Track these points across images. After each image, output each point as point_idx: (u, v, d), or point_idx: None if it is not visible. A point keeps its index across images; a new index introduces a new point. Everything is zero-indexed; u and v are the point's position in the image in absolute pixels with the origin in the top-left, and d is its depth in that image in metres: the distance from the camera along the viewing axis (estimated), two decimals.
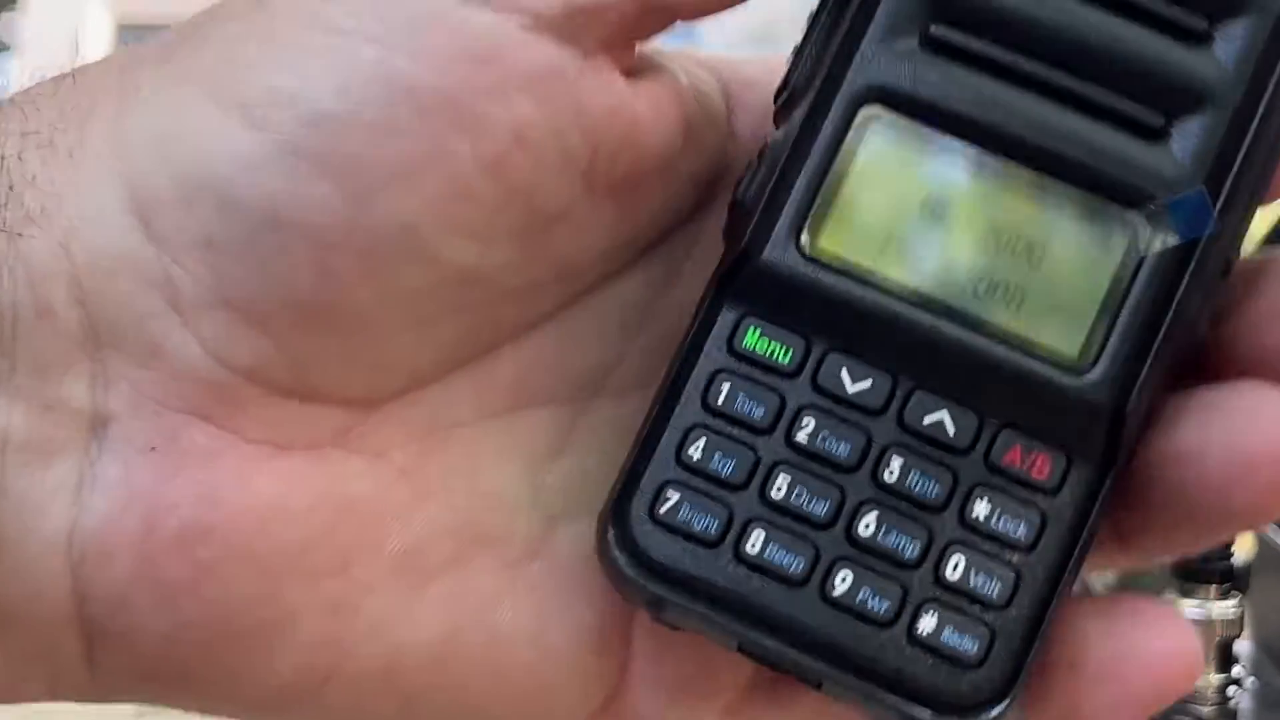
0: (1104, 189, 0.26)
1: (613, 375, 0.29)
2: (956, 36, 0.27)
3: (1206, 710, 0.51)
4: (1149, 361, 0.26)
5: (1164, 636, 0.27)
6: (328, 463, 0.26)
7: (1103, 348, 0.26)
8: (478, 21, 0.26)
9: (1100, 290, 0.26)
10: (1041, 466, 0.26)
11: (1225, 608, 0.51)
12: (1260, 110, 0.26)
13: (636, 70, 0.28)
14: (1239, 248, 0.27)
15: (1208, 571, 0.51)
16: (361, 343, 0.26)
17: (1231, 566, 0.51)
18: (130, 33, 0.82)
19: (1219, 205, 0.26)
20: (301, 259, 0.25)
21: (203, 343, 0.26)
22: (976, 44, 0.27)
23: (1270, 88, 0.27)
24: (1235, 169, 0.26)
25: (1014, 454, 0.26)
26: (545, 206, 0.26)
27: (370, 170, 0.25)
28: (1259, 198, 0.27)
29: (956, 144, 0.27)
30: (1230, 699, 0.51)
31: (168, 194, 0.25)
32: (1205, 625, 0.51)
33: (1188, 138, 0.27)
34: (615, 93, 0.27)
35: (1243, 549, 0.54)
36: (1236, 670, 0.52)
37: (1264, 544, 0.58)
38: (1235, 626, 0.51)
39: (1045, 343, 0.26)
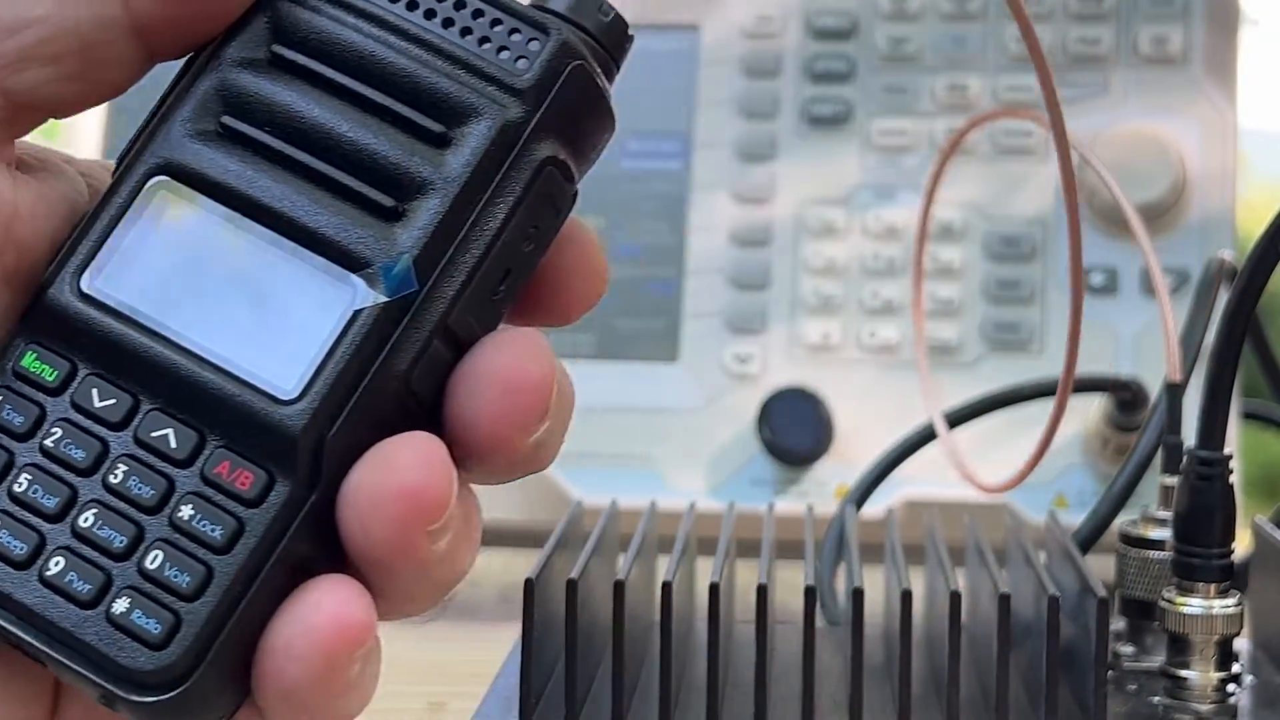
0: (335, 254, 0.32)
1: None
2: (241, 126, 0.32)
3: (1206, 708, 0.51)
4: (352, 400, 0.31)
5: (330, 609, 0.31)
6: None
7: (313, 385, 0.31)
8: None
9: (321, 337, 0.31)
10: (245, 480, 0.31)
11: (1225, 605, 0.51)
12: (483, 200, 0.32)
13: (28, 167, 0.32)
14: (473, 324, 0.33)
15: (1207, 569, 0.51)
16: None
17: (1231, 564, 0.51)
18: None
19: (434, 277, 0.32)
20: None
21: None
22: (255, 132, 0.32)
23: (495, 181, 0.32)
24: (453, 249, 0.32)
25: (223, 468, 0.31)
26: None
27: None
28: (497, 283, 0.33)
29: (221, 209, 0.32)
30: (1230, 696, 0.51)
31: None
32: (1205, 623, 0.51)
33: (413, 219, 0.32)
34: None
35: (1242, 546, 0.54)
36: (1235, 668, 0.52)
37: (1262, 541, 0.58)
38: (1235, 624, 0.51)
39: (267, 377, 0.31)
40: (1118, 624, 0.56)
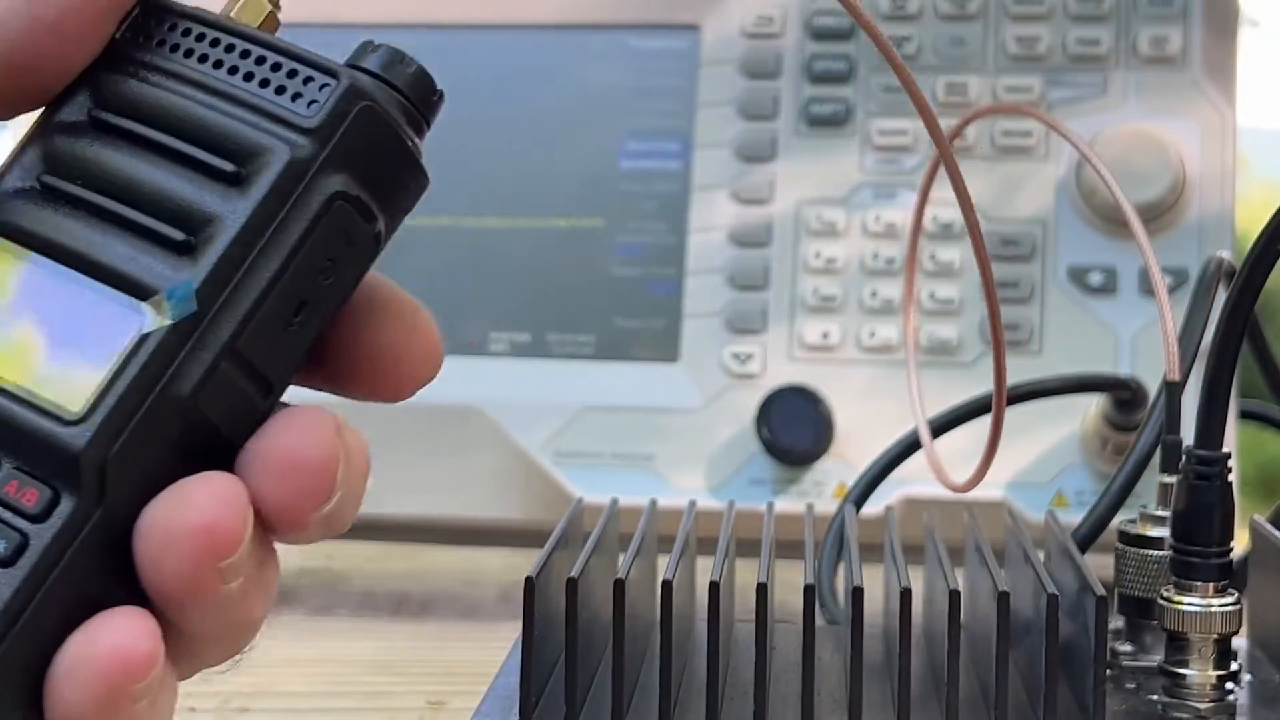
0: (129, 285, 0.34)
1: None
2: (57, 182, 0.35)
3: (1204, 706, 0.51)
4: (135, 420, 0.33)
5: (113, 636, 0.32)
6: None
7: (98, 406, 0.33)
8: None
9: (109, 362, 0.33)
10: (30, 497, 0.33)
11: (1223, 604, 0.51)
12: (270, 230, 0.34)
13: None
14: (270, 353, 0.35)
15: (1205, 568, 0.51)
16: None
17: (1230, 563, 0.52)
18: None
19: (219, 303, 0.34)
20: None
21: None
22: (69, 186, 0.35)
23: (282, 214, 0.35)
24: (239, 276, 0.34)
25: (11, 486, 0.33)
26: None
27: None
28: (292, 313, 0.35)
29: (29, 254, 0.35)
30: (1229, 694, 0.51)
31: None
32: (1203, 621, 0.51)
33: (202, 250, 0.34)
34: None
35: (1239, 545, 0.54)
36: (1234, 666, 0.52)
37: (1260, 540, 0.58)
38: (1233, 622, 0.51)
39: (57, 400, 0.33)
40: (1116, 622, 0.56)
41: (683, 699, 0.51)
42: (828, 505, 0.73)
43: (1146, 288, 0.78)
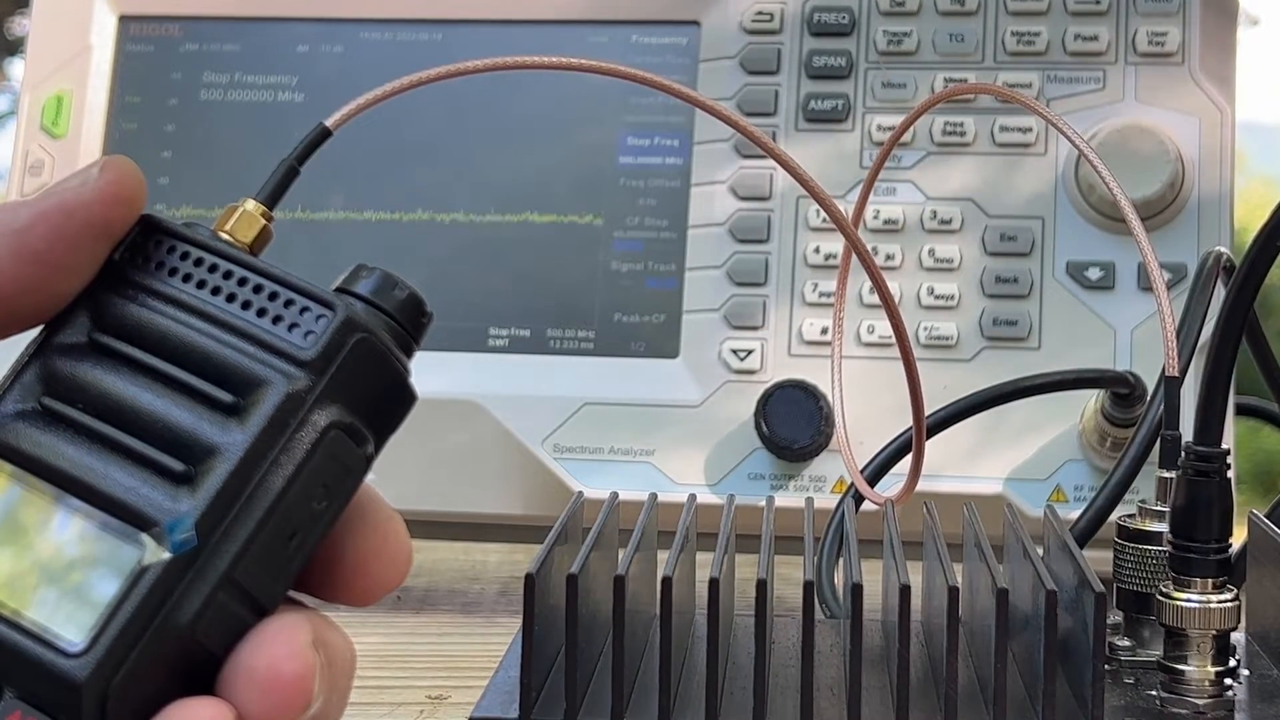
0: (128, 515, 0.35)
1: None
2: (57, 405, 0.36)
3: (1203, 702, 0.51)
4: (135, 652, 0.34)
5: None
6: None
7: (99, 640, 0.34)
8: None
9: (109, 593, 0.34)
10: None
11: (1222, 600, 0.51)
12: (267, 463, 0.35)
13: None
14: (264, 578, 0.35)
15: (1204, 564, 0.51)
16: None
17: (1229, 559, 0.52)
18: (133, 24, 0.82)
19: (217, 535, 0.35)
20: None
21: None
22: (68, 410, 0.36)
23: (279, 446, 0.35)
24: (237, 508, 0.35)
25: (14, 718, 0.33)
26: None
27: None
28: (286, 539, 0.36)
29: (30, 479, 0.35)
30: (1227, 690, 0.52)
31: None
32: (1202, 617, 0.51)
33: (200, 482, 0.35)
34: None
35: (1236, 540, 0.54)
36: (1232, 662, 0.52)
37: (1257, 535, 0.58)
38: (1231, 618, 0.51)
39: (58, 631, 0.34)
40: (1114, 617, 0.56)
41: (683, 692, 0.51)
42: (827, 500, 0.73)
43: (1145, 283, 0.78)
